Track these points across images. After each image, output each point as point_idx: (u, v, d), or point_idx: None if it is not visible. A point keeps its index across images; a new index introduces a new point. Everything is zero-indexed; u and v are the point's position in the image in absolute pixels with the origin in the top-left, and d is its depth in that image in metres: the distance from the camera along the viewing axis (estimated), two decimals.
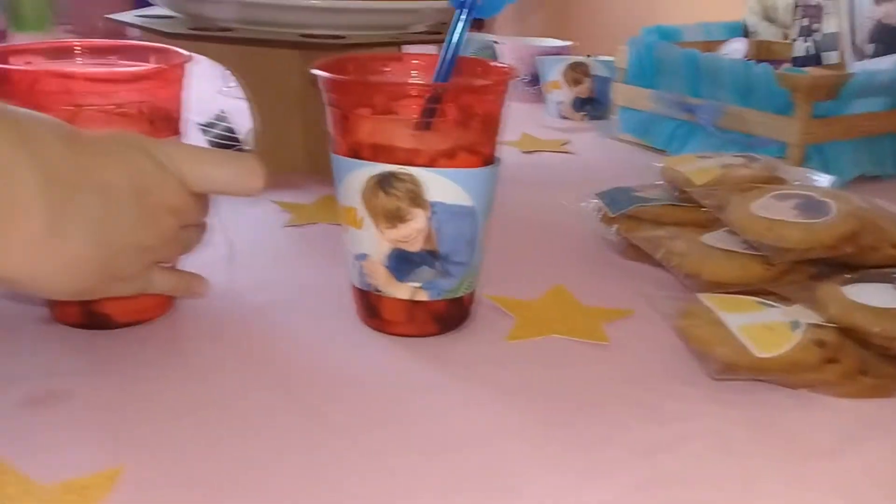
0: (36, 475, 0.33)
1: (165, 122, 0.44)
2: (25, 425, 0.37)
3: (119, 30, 1.78)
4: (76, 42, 0.47)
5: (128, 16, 0.71)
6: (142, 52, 0.48)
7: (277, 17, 0.64)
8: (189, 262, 0.56)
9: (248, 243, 0.60)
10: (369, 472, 0.35)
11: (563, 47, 1.15)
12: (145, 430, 0.37)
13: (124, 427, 0.37)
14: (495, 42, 1.17)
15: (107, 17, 0.73)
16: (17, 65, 0.45)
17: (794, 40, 0.92)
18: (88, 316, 0.44)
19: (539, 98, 1.11)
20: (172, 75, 0.45)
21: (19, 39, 1.41)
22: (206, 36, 0.65)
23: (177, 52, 0.46)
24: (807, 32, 0.90)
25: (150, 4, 0.74)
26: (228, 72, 0.74)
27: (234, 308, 0.50)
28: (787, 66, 0.90)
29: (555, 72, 1.03)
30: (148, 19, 0.69)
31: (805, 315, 0.44)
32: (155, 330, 0.46)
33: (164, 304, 0.47)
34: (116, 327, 0.45)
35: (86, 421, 0.38)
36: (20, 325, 0.46)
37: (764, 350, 0.41)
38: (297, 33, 0.64)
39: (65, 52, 0.47)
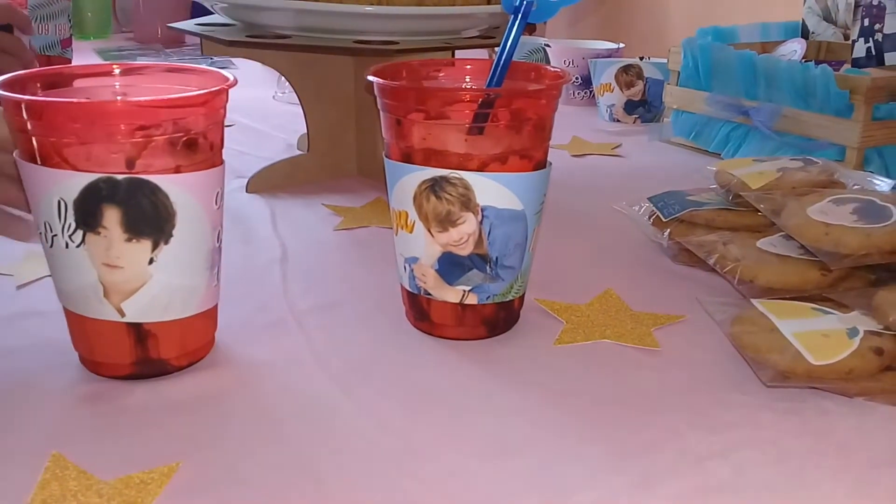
0: (96, 471, 0.34)
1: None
2: (85, 423, 0.39)
3: (179, 37, 1.82)
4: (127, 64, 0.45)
5: (188, 24, 0.72)
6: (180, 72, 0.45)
7: (332, 24, 0.65)
8: (245, 264, 0.57)
9: (299, 246, 0.61)
10: (422, 471, 0.35)
11: (614, 50, 1.15)
12: (203, 430, 0.38)
13: (182, 426, 0.38)
14: (547, 45, 1.17)
15: (168, 26, 0.75)
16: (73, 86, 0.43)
17: (855, 41, 0.90)
18: (143, 364, 0.42)
19: (590, 101, 1.10)
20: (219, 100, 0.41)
21: (81, 46, 1.45)
22: (262, 43, 0.66)
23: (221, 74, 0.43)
24: (868, 33, 0.88)
25: (208, 13, 0.76)
26: (283, 78, 0.76)
27: (286, 309, 0.51)
28: (846, 67, 0.88)
29: (606, 74, 1.03)
30: (207, 27, 0.70)
31: (863, 322, 0.43)
32: None
33: (210, 342, 0.45)
34: (173, 371, 0.43)
35: (145, 419, 0.39)
36: None
37: (820, 357, 0.40)
38: (351, 40, 0.65)
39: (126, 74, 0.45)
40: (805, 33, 1.02)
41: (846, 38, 0.97)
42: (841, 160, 0.74)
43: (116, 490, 0.33)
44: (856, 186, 0.57)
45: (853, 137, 0.73)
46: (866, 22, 0.88)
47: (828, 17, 1.01)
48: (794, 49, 0.94)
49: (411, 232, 0.44)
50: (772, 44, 0.98)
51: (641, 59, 1.05)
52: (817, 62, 0.82)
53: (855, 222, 0.48)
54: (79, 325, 0.42)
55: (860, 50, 0.89)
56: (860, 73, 0.77)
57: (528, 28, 0.47)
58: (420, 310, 0.47)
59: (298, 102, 0.75)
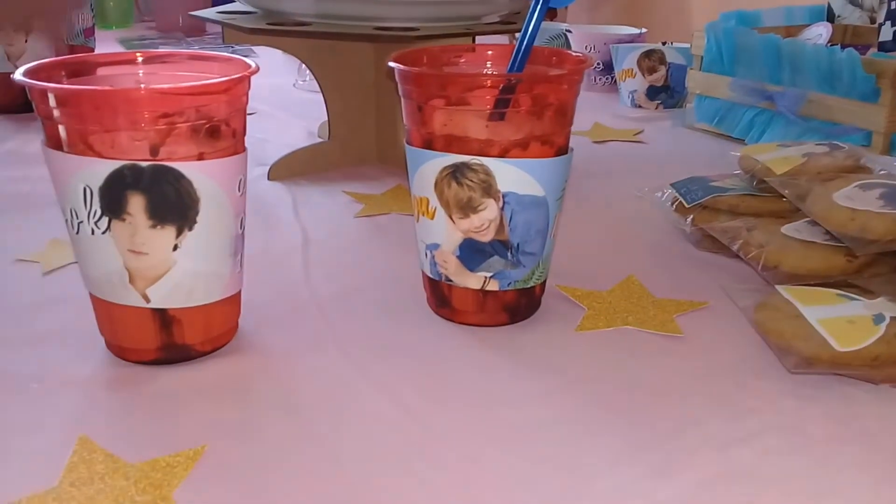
0: (123, 454, 0.35)
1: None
2: (112, 407, 0.39)
3: (200, 26, 1.83)
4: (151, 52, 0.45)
5: (209, 12, 0.73)
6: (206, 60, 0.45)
7: (352, 11, 0.65)
8: (268, 251, 0.57)
9: (320, 233, 0.61)
10: (442, 456, 0.35)
11: (636, 35, 1.14)
12: (227, 414, 0.39)
13: (207, 410, 0.39)
14: (568, 30, 1.16)
15: (189, 14, 0.75)
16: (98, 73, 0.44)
17: (881, 24, 0.88)
18: (168, 349, 0.42)
19: (612, 87, 1.10)
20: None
21: (104, 36, 1.46)
22: (283, 30, 0.66)
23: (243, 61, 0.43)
24: (895, 16, 0.87)
25: (229, 0, 0.76)
26: (304, 65, 0.76)
27: (308, 296, 0.51)
28: (873, 51, 0.87)
29: (628, 60, 1.02)
30: (228, 15, 0.70)
31: (889, 308, 0.42)
32: None
33: (234, 328, 0.46)
34: (198, 357, 0.43)
35: (170, 403, 0.39)
36: None
37: (845, 344, 0.40)
38: (371, 26, 0.65)
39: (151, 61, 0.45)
40: (831, 17, 1.00)
41: (872, 21, 0.96)
42: (867, 145, 0.73)
43: (143, 473, 0.34)
44: (882, 171, 0.57)
45: (879, 122, 0.72)
46: (893, 5, 0.87)
47: (854, 1, 1.00)
48: (820, 33, 0.93)
49: (432, 218, 0.44)
50: (796, 28, 0.97)
51: (664, 44, 1.04)
52: (843, 46, 0.80)
53: (881, 208, 0.47)
54: (105, 310, 0.42)
55: (887, 33, 0.88)
56: (887, 57, 0.75)
57: (549, 13, 0.47)
58: (441, 296, 0.47)
59: (319, 90, 0.75)
